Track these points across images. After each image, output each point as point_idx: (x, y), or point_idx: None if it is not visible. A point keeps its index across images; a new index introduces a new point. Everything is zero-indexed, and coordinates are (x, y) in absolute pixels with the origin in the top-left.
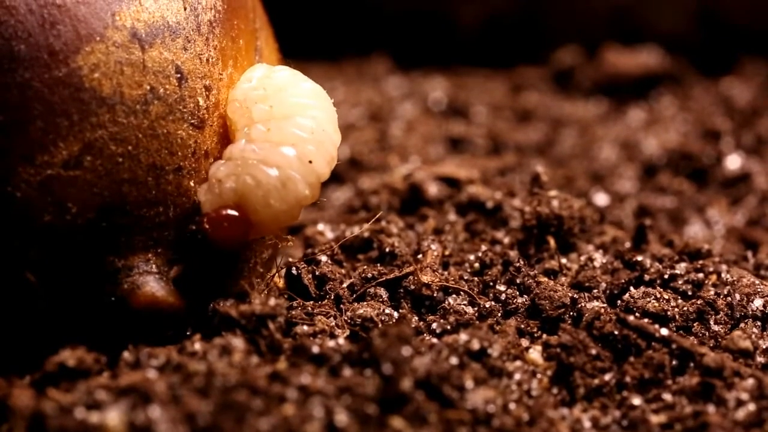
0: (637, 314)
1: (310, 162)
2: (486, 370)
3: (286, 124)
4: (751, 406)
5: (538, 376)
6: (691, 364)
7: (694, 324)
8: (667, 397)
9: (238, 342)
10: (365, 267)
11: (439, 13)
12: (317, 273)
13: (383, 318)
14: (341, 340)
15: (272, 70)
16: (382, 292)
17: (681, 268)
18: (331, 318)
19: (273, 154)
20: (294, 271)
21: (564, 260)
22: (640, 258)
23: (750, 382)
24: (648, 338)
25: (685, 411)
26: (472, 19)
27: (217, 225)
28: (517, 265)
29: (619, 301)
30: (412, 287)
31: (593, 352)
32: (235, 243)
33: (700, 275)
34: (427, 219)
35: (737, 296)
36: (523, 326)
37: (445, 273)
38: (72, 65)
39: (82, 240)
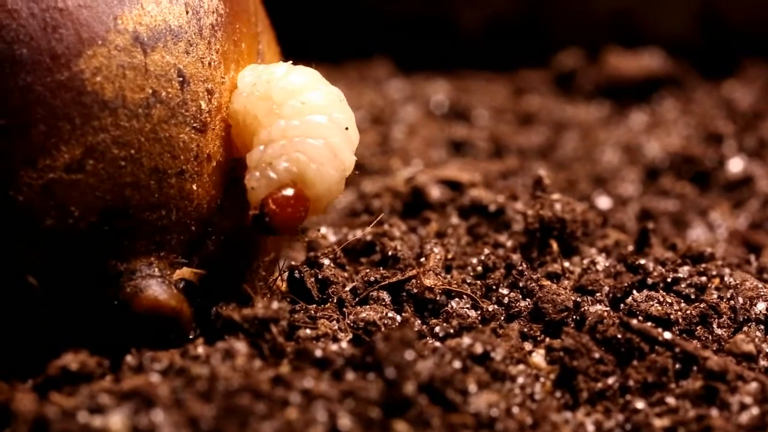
0: (640, 318)
1: (347, 129)
2: (489, 373)
3: (312, 95)
4: (755, 410)
5: (541, 379)
6: (695, 368)
7: (697, 327)
8: (671, 400)
9: (240, 346)
10: (368, 270)
11: (441, 15)
12: (320, 276)
13: (386, 322)
14: (344, 344)
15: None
16: (385, 296)
17: (684, 271)
18: (334, 322)
19: (314, 126)
20: (296, 275)
21: (567, 264)
22: (642, 261)
23: (753, 385)
24: (651, 342)
25: (688, 415)
26: (474, 22)
27: (283, 206)
28: (520, 268)
29: (622, 305)
30: (415, 291)
31: (596, 355)
32: (298, 222)
33: (703, 279)
34: (429, 222)
35: (740, 300)
36: (526, 330)
37: (448, 276)
38: (74, 69)
39: (85, 244)
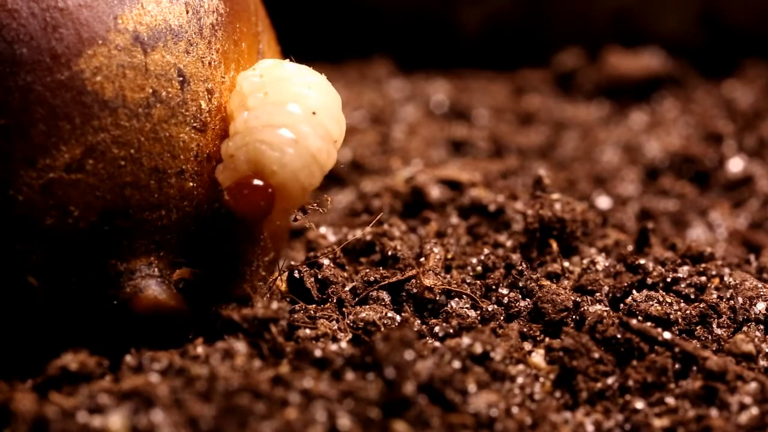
0: (639, 318)
1: (314, 114)
2: (488, 373)
3: (283, 84)
4: (754, 410)
5: (541, 379)
6: (694, 368)
7: (697, 327)
8: (670, 400)
9: (240, 346)
10: (367, 270)
11: (441, 15)
12: (319, 276)
13: (386, 321)
14: (344, 344)
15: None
16: (385, 296)
17: (683, 271)
18: (334, 321)
19: (277, 114)
20: (296, 275)
21: (566, 263)
22: (642, 261)
23: (753, 385)
24: (651, 342)
25: (687, 415)
26: (474, 22)
27: (238, 194)
28: (520, 268)
29: (621, 305)
30: (415, 291)
31: (596, 355)
32: (260, 211)
33: (703, 279)
34: (429, 222)
35: (740, 300)
36: (525, 330)
37: (448, 276)
38: (74, 68)
39: (85, 243)
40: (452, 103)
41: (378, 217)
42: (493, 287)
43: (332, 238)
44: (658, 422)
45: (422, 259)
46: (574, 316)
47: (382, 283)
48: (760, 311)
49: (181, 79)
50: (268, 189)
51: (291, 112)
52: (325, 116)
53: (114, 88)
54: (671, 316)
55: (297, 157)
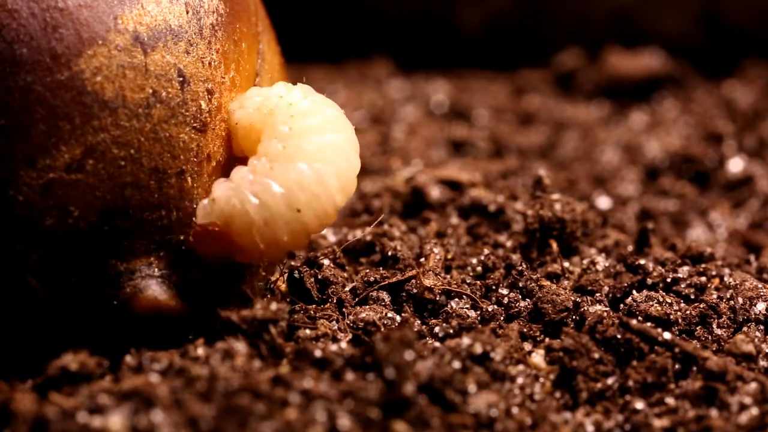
0: (639, 318)
1: (299, 211)
2: (488, 374)
3: (289, 165)
4: (754, 410)
5: (541, 380)
6: (694, 368)
7: (697, 328)
8: (670, 401)
9: (240, 346)
10: (367, 270)
11: (441, 15)
12: (319, 277)
13: (386, 322)
14: (344, 344)
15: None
16: (385, 296)
17: (683, 271)
18: (334, 322)
19: (264, 191)
20: (296, 275)
21: (566, 264)
22: (642, 261)
23: (753, 386)
24: (651, 342)
25: (687, 415)
26: (474, 22)
27: (202, 239)
28: (520, 268)
29: (621, 305)
30: (415, 291)
31: (596, 356)
32: (218, 258)
33: (703, 279)
34: (429, 222)
35: (740, 300)
36: (525, 330)
37: (448, 276)
38: (74, 69)
39: (85, 243)
40: (452, 103)
41: (379, 219)
42: (493, 287)
43: (332, 238)
44: (658, 422)
45: (422, 260)
46: (574, 317)
47: (382, 284)
48: (760, 311)
49: (181, 79)
50: (231, 244)
51: (275, 194)
52: (309, 214)
53: (114, 88)
54: (671, 317)
55: (260, 237)
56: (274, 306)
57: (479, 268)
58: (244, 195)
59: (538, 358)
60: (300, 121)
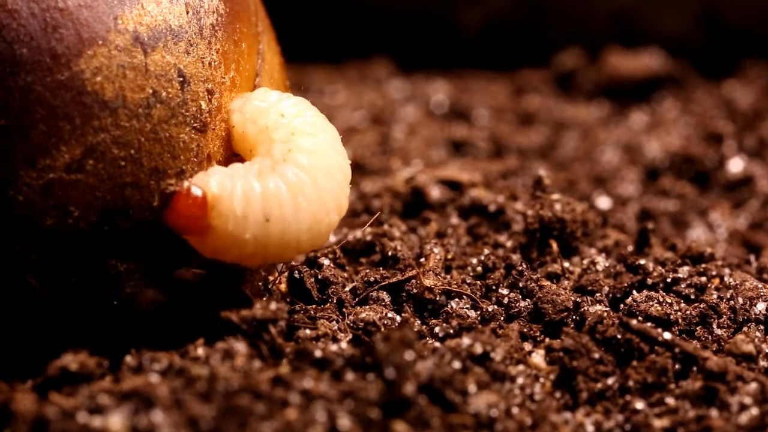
0: (639, 318)
1: (267, 220)
2: (489, 374)
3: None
4: (754, 411)
5: (541, 380)
6: (694, 368)
7: (697, 328)
8: (670, 401)
9: (240, 346)
10: (368, 271)
11: (441, 15)
12: (319, 277)
13: (386, 322)
14: (344, 344)
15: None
16: (385, 296)
17: (684, 271)
18: (334, 322)
19: (271, 190)
20: (296, 275)
21: (566, 264)
22: (642, 262)
23: (753, 386)
24: (651, 342)
25: (688, 415)
26: (474, 22)
27: (179, 203)
28: (520, 268)
29: (621, 305)
30: (415, 291)
31: (596, 356)
32: (183, 229)
33: (703, 279)
34: (429, 222)
35: (740, 300)
36: (525, 330)
37: (448, 277)
38: (74, 69)
39: (85, 244)
40: (452, 103)
41: (376, 216)
42: (493, 287)
43: (332, 238)
44: (658, 422)
45: (422, 260)
46: (574, 317)
47: (383, 284)
48: (760, 311)
49: (181, 79)
50: (204, 222)
51: (283, 199)
52: (276, 234)
53: (114, 88)
54: (671, 317)
55: (248, 231)
56: (274, 306)
57: (479, 268)
58: (242, 182)
59: (538, 358)
60: (299, 141)
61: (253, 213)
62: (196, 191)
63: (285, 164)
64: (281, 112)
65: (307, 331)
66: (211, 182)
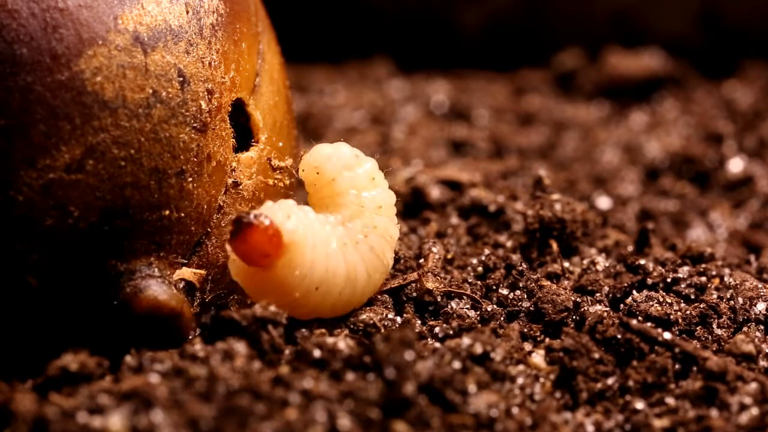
0: (639, 318)
1: (316, 289)
2: (489, 374)
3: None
4: (754, 411)
5: (541, 380)
6: (694, 368)
7: (697, 328)
8: (670, 401)
9: (240, 346)
10: None
11: (441, 15)
12: None
13: (386, 323)
14: (344, 345)
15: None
16: (385, 297)
17: (684, 271)
18: (334, 322)
19: (335, 256)
20: None
21: (567, 264)
22: (642, 262)
23: (753, 386)
24: (651, 342)
25: (688, 415)
26: (474, 22)
27: (251, 233)
28: (520, 268)
29: (621, 305)
30: (415, 294)
31: (596, 356)
32: (248, 260)
33: (703, 279)
34: (429, 222)
35: (740, 300)
36: (525, 330)
37: (448, 277)
38: (74, 69)
39: (85, 244)
40: (452, 104)
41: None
42: (494, 287)
43: None
44: (659, 422)
45: (422, 260)
46: (574, 317)
47: (383, 289)
48: (760, 311)
49: (181, 79)
50: (271, 262)
51: (343, 271)
52: (330, 296)
53: (114, 88)
54: (671, 317)
55: (308, 282)
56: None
57: (479, 268)
58: (323, 245)
59: (538, 358)
60: (382, 222)
61: (313, 280)
62: (274, 229)
63: (365, 241)
64: (372, 175)
65: (307, 332)
66: (289, 225)
